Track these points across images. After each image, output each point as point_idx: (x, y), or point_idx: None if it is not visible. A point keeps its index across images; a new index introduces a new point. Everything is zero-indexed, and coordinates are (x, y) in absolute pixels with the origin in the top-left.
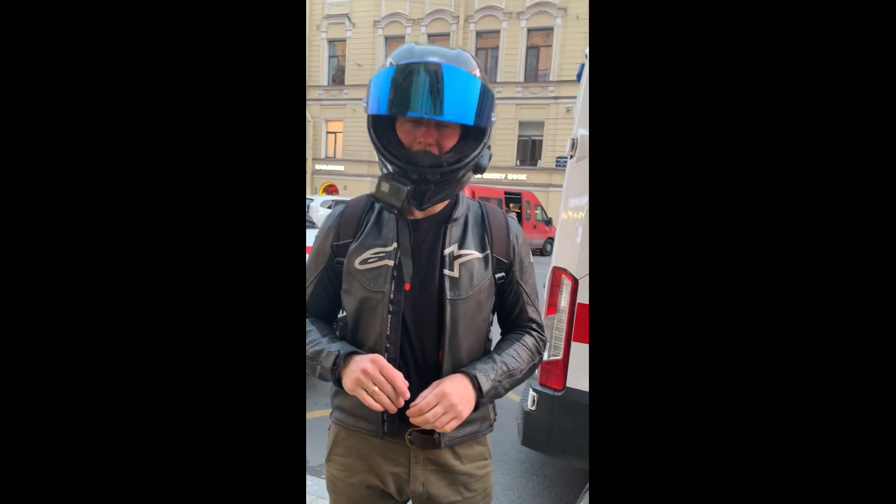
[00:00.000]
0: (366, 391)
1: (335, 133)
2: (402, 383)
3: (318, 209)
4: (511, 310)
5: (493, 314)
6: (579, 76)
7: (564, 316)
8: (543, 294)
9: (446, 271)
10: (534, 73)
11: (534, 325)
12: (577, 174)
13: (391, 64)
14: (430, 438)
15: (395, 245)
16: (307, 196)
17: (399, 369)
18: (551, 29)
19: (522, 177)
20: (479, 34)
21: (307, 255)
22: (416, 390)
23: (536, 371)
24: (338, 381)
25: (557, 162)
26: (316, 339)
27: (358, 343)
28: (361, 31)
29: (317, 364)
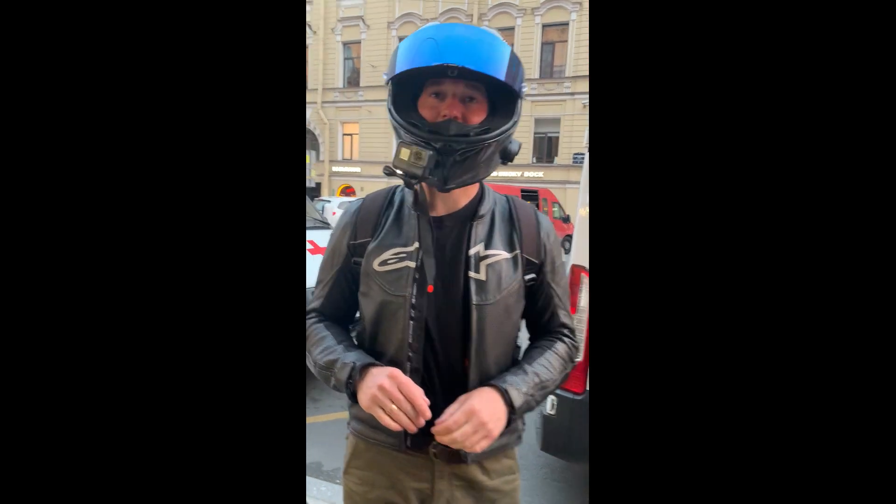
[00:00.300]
0: (383, 409)
1: (351, 135)
2: (423, 402)
3: (336, 210)
4: (541, 314)
5: (522, 319)
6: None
7: (584, 316)
8: None
9: (472, 273)
10: (549, 70)
11: (565, 331)
12: None
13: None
14: (456, 453)
15: (416, 245)
16: (324, 198)
17: (421, 380)
18: (566, 24)
19: (539, 174)
20: None
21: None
22: (440, 403)
23: None
24: (353, 396)
25: (574, 158)
26: (331, 347)
27: (377, 352)
28: (376, 32)
29: (331, 375)
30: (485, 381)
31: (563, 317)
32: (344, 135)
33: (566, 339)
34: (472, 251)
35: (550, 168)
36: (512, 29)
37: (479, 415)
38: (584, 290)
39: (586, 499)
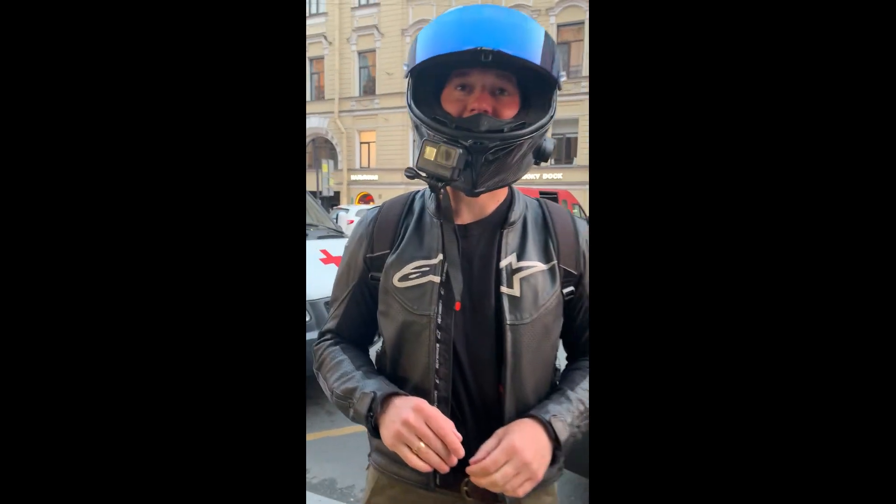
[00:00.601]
0: (409, 448)
1: (368, 143)
2: (454, 438)
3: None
4: (581, 331)
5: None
6: None
7: None
8: None
9: (504, 289)
10: (566, 70)
11: None
12: None
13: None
14: (492, 492)
15: (440, 257)
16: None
17: (451, 411)
18: (582, 23)
19: (558, 175)
20: None
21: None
22: (472, 437)
23: None
24: (375, 430)
25: None
26: (348, 373)
27: (399, 378)
28: (390, 40)
29: (349, 405)
30: (522, 410)
31: None
32: (361, 143)
33: None
34: (503, 263)
35: (569, 169)
36: None
37: (521, 454)
38: None
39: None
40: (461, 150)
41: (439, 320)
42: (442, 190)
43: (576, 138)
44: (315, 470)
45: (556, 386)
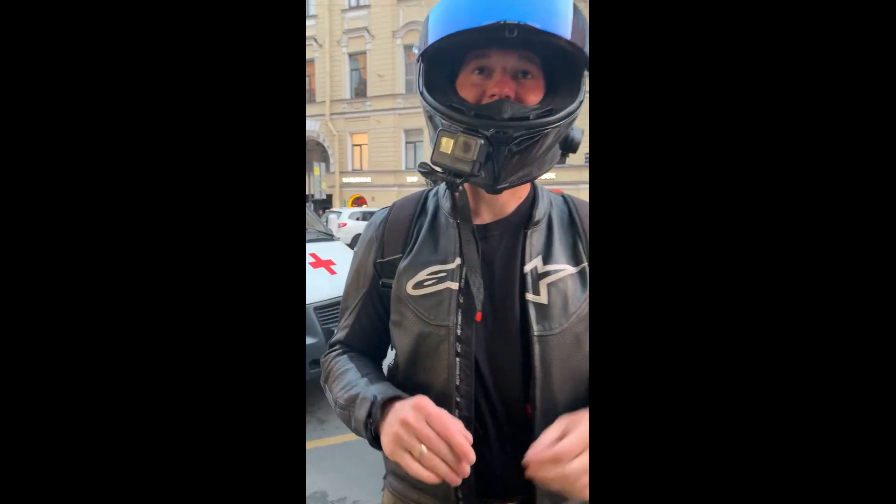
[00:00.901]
0: (410, 454)
1: (360, 145)
2: (462, 440)
3: (346, 221)
4: None
5: None
6: None
7: None
8: None
9: (529, 296)
10: None
11: None
12: None
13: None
14: None
15: (457, 261)
16: (335, 209)
17: (474, 432)
18: None
19: (551, 175)
20: None
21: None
22: (497, 462)
23: None
24: (375, 439)
25: (587, 158)
26: (352, 382)
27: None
28: (381, 42)
29: (349, 414)
30: None
31: None
32: (353, 145)
33: None
34: (527, 267)
35: (563, 169)
36: None
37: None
38: None
39: None
40: (482, 141)
41: (459, 332)
42: (460, 187)
43: None
44: (306, 481)
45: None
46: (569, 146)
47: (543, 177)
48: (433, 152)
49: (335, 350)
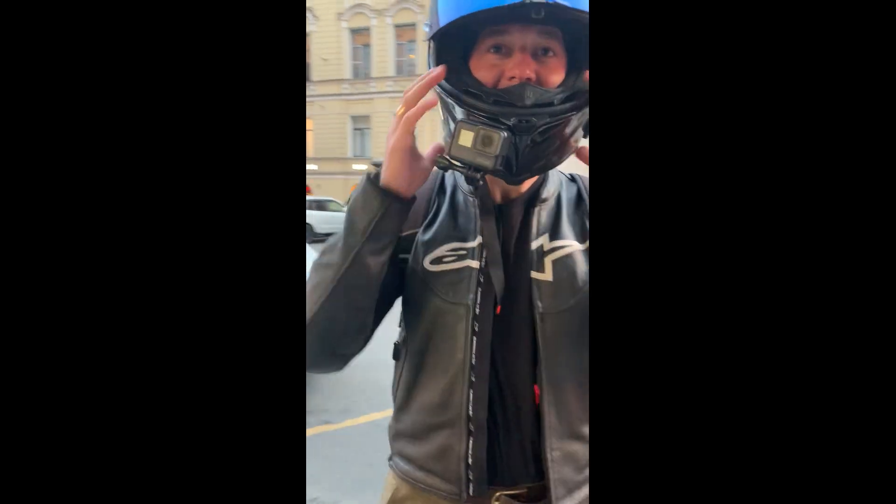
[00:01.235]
0: (414, 112)
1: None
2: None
3: None
4: None
5: None
6: None
7: None
8: None
9: (535, 273)
10: None
11: None
12: None
13: None
14: None
15: (479, 239)
16: None
17: (489, 412)
18: None
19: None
20: None
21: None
22: (503, 449)
23: None
24: (385, 194)
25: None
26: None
27: (425, 378)
28: (325, 24)
29: (333, 245)
30: (564, 417)
31: None
32: None
33: None
34: (534, 245)
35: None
36: None
37: None
38: None
39: None
40: (506, 134)
41: (477, 311)
42: (480, 181)
43: None
44: None
45: None
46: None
47: None
48: (451, 145)
49: None
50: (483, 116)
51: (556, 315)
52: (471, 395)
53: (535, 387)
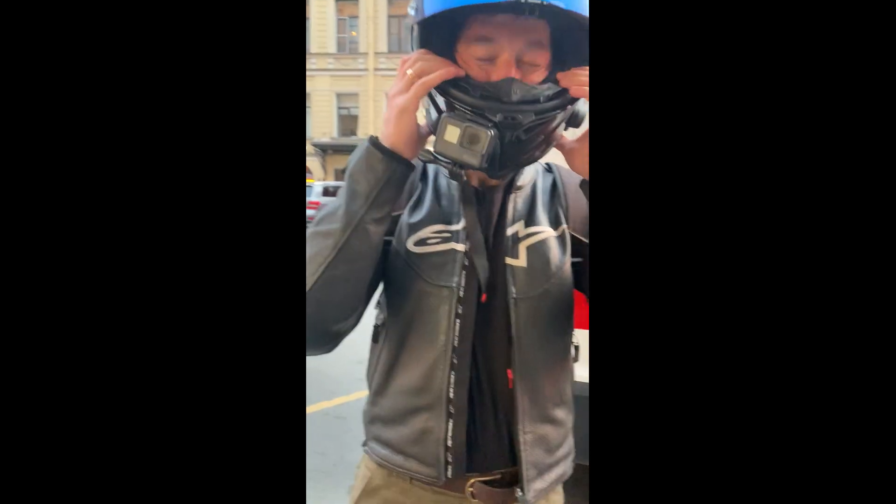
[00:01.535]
0: (432, 78)
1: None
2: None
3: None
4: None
5: None
6: None
7: None
8: None
9: (509, 259)
10: None
11: None
12: None
13: None
14: (501, 492)
15: (462, 223)
16: None
17: (468, 395)
18: None
19: None
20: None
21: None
22: (479, 430)
23: None
24: (390, 155)
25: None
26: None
27: (405, 360)
28: None
29: (335, 216)
30: (536, 400)
31: None
32: None
33: None
34: (509, 231)
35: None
36: None
37: None
38: None
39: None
40: (492, 133)
41: (461, 293)
42: (464, 176)
43: None
44: None
45: (572, 373)
46: (574, 121)
47: None
48: (436, 141)
49: None
50: (469, 111)
51: (528, 300)
52: (452, 378)
53: (509, 371)
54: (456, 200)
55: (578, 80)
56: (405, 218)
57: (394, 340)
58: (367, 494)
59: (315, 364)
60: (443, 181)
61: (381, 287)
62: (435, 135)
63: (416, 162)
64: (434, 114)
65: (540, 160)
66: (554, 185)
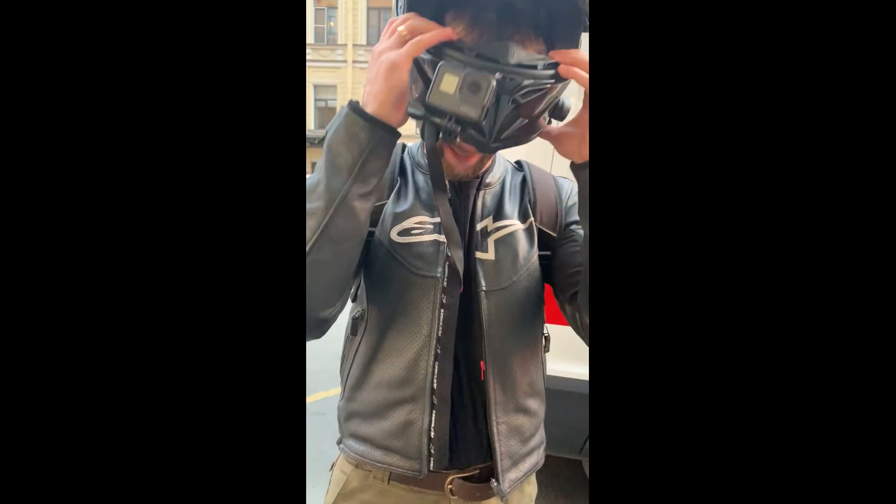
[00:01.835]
0: (429, 37)
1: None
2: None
3: None
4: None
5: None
6: None
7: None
8: None
9: (479, 253)
10: None
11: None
12: None
13: None
14: (479, 487)
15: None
16: None
17: (451, 384)
18: None
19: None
20: None
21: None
22: (458, 421)
23: None
24: (371, 121)
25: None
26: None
27: (386, 352)
28: None
29: (315, 193)
30: (508, 391)
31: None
32: None
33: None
34: (479, 226)
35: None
36: None
37: None
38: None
39: (546, 489)
40: (494, 81)
41: (445, 283)
42: (457, 139)
43: None
44: None
45: (544, 364)
46: (558, 114)
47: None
48: (430, 91)
49: None
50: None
51: (497, 292)
52: (436, 369)
53: (482, 362)
54: (433, 194)
55: (571, 57)
56: (389, 208)
57: (374, 332)
58: (343, 498)
59: None
60: (420, 177)
61: (359, 278)
62: (430, 87)
63: (393, 155)
64: (421, 84)
65: (509, 157)
66: (524, 182)
